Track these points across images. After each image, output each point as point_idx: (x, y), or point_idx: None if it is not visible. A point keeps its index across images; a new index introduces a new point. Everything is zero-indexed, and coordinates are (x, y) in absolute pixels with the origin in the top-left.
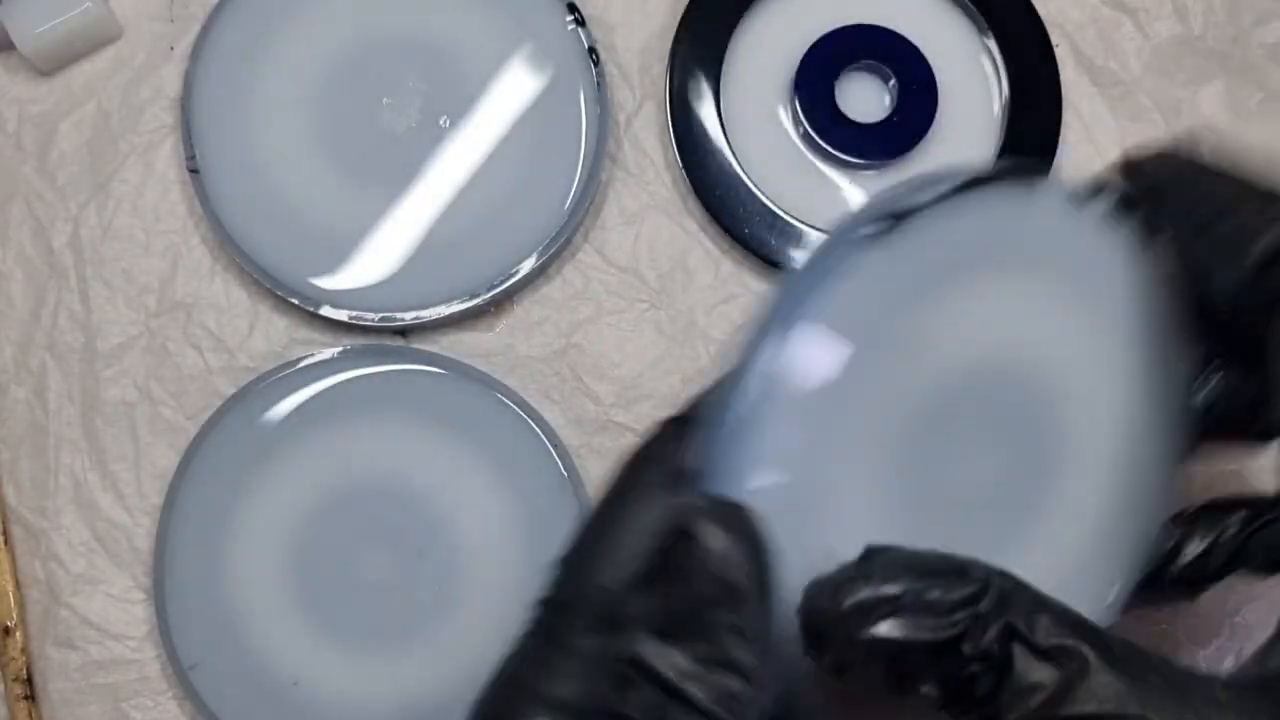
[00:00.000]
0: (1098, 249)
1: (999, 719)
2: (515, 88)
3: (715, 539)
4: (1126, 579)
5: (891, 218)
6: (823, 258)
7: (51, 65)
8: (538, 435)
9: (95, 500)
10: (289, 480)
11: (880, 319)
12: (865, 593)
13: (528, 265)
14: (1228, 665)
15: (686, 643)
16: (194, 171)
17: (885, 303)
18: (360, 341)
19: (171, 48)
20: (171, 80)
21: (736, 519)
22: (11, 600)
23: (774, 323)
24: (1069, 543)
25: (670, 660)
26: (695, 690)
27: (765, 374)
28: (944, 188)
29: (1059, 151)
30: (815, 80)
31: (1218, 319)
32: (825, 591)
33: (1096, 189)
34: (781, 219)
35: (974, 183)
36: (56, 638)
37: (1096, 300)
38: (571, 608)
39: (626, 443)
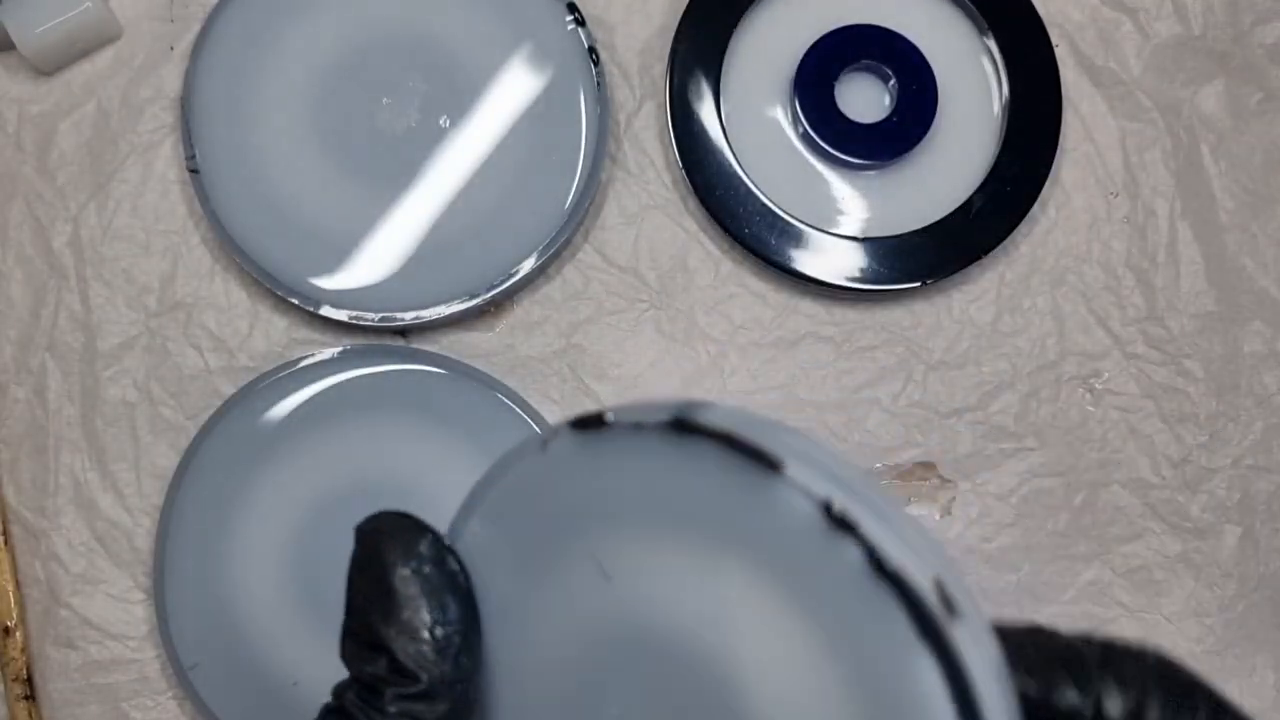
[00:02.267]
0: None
1: None
2: (515, 88)
3: (363, 540)
4: None
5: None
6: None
7: (51, 65)
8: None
9: (95, 500)
10: (289, 480)
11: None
12: None
13: (528, 265)
14: None
15: (354, 634)
16: (194, 171)
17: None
18: (360, 341)
19: (171, 48)
20: (171, 80)
21: (383, 522)
22: (11, 600)
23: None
24: None
25: (346, 649)
26: (355, 668)
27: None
28: (660, 417)
29: (1059, 151)
30: (815, 80)
31: None
32: None
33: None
34: (781, 219)
35: (685, 428)
36: (56, 638)
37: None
38: None
39: None
